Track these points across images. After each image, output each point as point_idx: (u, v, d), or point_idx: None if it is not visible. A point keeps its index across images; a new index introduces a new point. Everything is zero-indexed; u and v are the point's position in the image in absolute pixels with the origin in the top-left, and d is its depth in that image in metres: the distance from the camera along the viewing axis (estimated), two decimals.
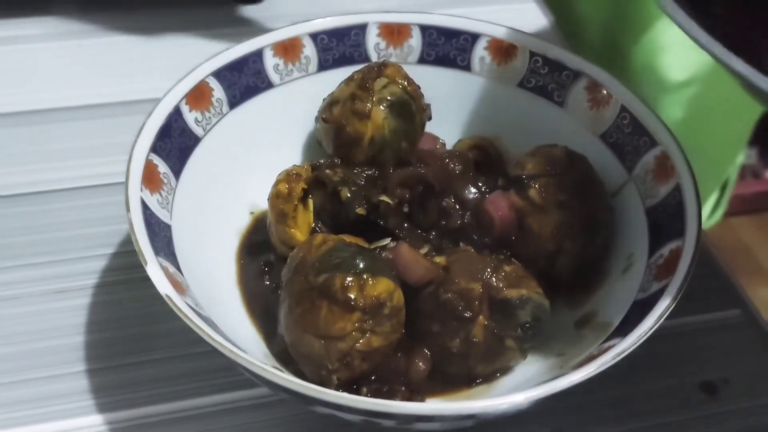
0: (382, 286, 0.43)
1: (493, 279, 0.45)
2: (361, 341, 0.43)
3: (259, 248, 0.51)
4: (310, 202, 0.50)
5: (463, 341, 0.45)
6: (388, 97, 0.51)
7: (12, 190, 0.58)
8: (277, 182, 0.49)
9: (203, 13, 0.71)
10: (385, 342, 0.44)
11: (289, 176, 0.49)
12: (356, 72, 0.53)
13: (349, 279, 0.43)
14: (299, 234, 0.48)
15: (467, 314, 0.45)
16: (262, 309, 0.49)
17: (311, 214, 0.49)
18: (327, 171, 0.49)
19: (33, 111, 0.63)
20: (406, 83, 0.52)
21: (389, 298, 0.43)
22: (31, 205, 0.57)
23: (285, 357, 0.46)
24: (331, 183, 0.49)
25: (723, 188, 0.99)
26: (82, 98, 0.64)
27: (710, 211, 0.99)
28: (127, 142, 0.47)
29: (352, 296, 0.42)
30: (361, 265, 0.43)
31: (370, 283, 0.43)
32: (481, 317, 0.45)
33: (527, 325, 0.45)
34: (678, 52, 0.81)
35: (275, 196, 0.49)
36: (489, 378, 0.47)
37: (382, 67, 0.52)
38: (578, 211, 0.48)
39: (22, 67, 0.66)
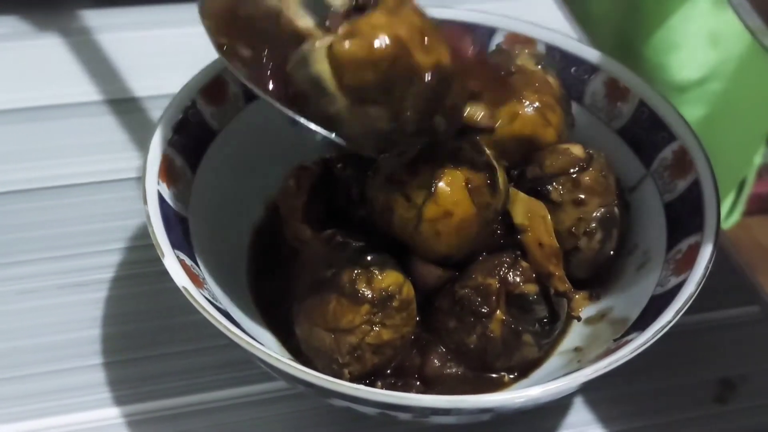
0: (390, 279, 0.43)
1: (510, 274, 0.45)
2: (370, 334, 0.43)
3: (273, 242, 0.51)
4: (321, 196, 0.49)
5: (480, 337, 0.45)
6: None
7: (30, 185, 0.58)
8: (287, 178, 0.49)
9: None
10: (396, 335, 0.44)
11: (298, 171, 0.49)
12: None
13: (356, 272, 0.43)
14: (309, 229, 0.48)
15: (484, 309, 0.45)
16: (275, 303, 0.48)
17: (321, 209, 0.49)
18: (338, 166, 0.49)
19: (51, 106, 0.63)
20: None
21: (398, 290, 0.43)
22: (49, 199, 0.57)
23: (298, 351, 0.46)
24: (342, 178, 0.49)
25: (740, 189, 0.98)
26: (99, 93, 0.64)
27: (727, 213, 0.98)
28: (144, 137, 0.48)
29: (360, 289, 0.42)
30: (369, 259, 0.43)
31: (378, 275, 0.43)
32: (498, 312, 0.45)
33: (545, 320, 0.45)
34: (691, 50, 0.80)
35: (284, 192, 0.48)
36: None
37: None
38: (595, 209, 0.48)
39: (39, 63, 0.67)
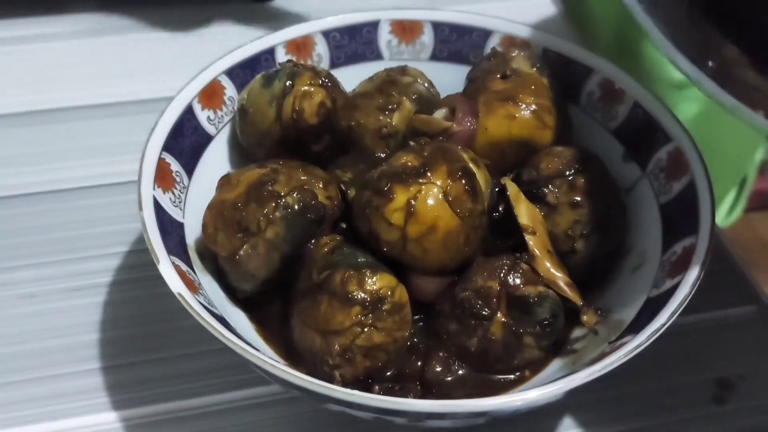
0: (382, 282, 0.43)
1: (510, 277, 0.45)
2: (361, 336, 0.43)
3: None
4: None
5: (481, 339, 0.45)
6: (415, 93, 0.51)
7: (27, 189, 0.58)
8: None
9: (217, 11, 0.72)
10: (389, 339, 0.44)
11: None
12: (377, 73, 0.53)
13: (348, 273, 0.43)
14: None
15: (485, 312, 0.45)
16: (270, 308, 0.48)
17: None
18: (337, 171, 0.50)
19: (46, 110, 0.63)
20: (427, 85, 0.52)
21: (390, 293, 0.43)
22: (46, 203, 0.58)
23: (294, 355, 0.46)
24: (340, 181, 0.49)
25: (741, 187, 0.98)
26: (96, 97, 0.64)
27: (728, 210, 0.98)
28: (141, 140, 0.48)
29: (351, 290, 0.42)
30: (361, 261, 0.44)
31: (370, 278, 0.43)
32: (499, 314, 0.45)
33: (545, 322, 0.45)
34: None
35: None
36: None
37: (404, 68, 0.53)
38: (591, 211, 0.48)
39: (36, 66, 0.67)
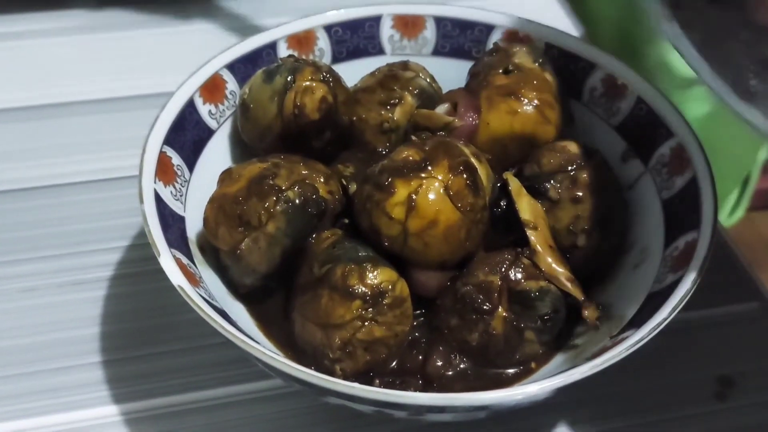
0: (383, 276, 0.43)
1: (512, 271, 0.45)
2: (362, 330, 0.43)
3: None
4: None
5: (482, 334, 0.45)
6: (416, 88, 0.51)
7: (28, 184, 0.58)
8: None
9: (218, 6, 0.72)
10: (389, 333, 0.44)
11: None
12: (379, 68, 0.53)
13: (349, 268, 0.43)
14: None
15: (486, 306, 0.45)
16: (271, 302, 0.48)
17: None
18: (338, 166, 0.49)
19: (48, 105, 0.64)
20: (429, 80, 0.52)
21: (390, 287, 0.43)
22: (48, 198, 0.58)
23: (294, 349, 0.46)
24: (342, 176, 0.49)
25: (744, 186, 0.98)
26: (98, 92, 0.65)
27: (730, 210, 0.97)
28: (142, 135, 0.48)
29: (352, 284, 0.43)
30: (362, 255, 0.44)
31: (371, 272, 0.43)
32: (500, 309, 0.45)
33: (546, 316, 0.45)
34: None
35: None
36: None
37: (406, 63, 0.53)
38: (593, 206, 0.47)
39: (38, 62, 0.67)
